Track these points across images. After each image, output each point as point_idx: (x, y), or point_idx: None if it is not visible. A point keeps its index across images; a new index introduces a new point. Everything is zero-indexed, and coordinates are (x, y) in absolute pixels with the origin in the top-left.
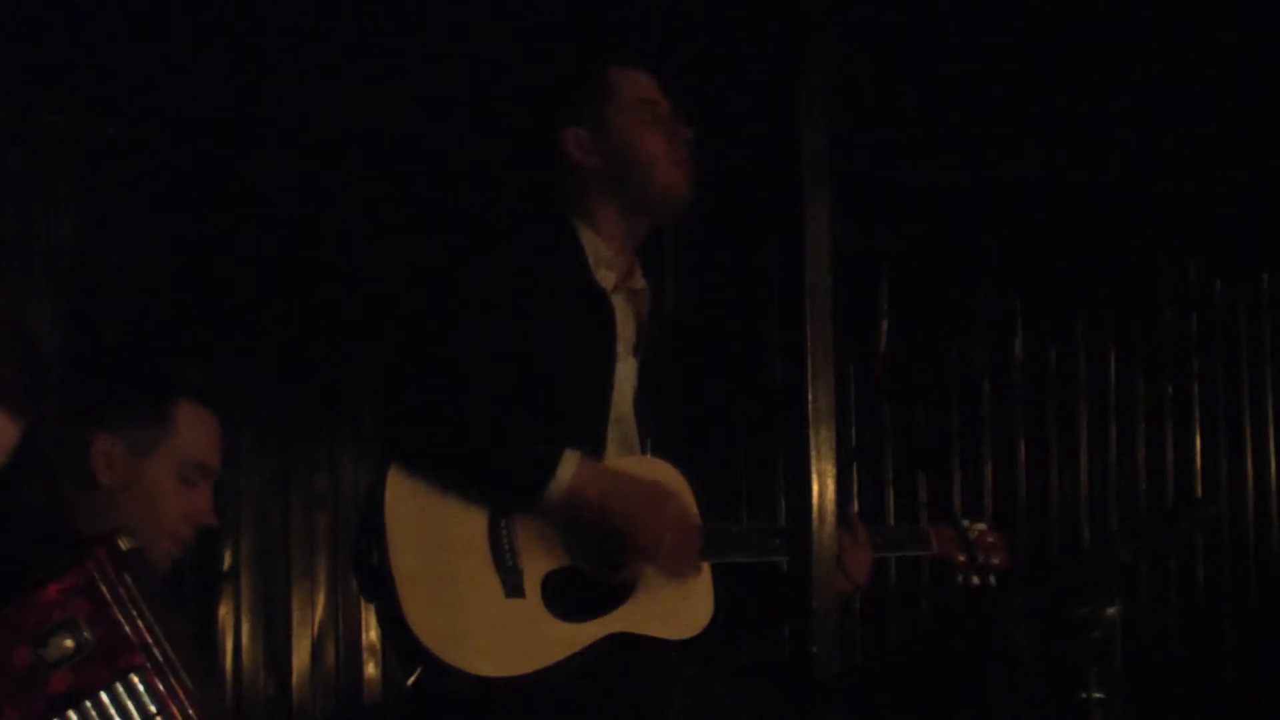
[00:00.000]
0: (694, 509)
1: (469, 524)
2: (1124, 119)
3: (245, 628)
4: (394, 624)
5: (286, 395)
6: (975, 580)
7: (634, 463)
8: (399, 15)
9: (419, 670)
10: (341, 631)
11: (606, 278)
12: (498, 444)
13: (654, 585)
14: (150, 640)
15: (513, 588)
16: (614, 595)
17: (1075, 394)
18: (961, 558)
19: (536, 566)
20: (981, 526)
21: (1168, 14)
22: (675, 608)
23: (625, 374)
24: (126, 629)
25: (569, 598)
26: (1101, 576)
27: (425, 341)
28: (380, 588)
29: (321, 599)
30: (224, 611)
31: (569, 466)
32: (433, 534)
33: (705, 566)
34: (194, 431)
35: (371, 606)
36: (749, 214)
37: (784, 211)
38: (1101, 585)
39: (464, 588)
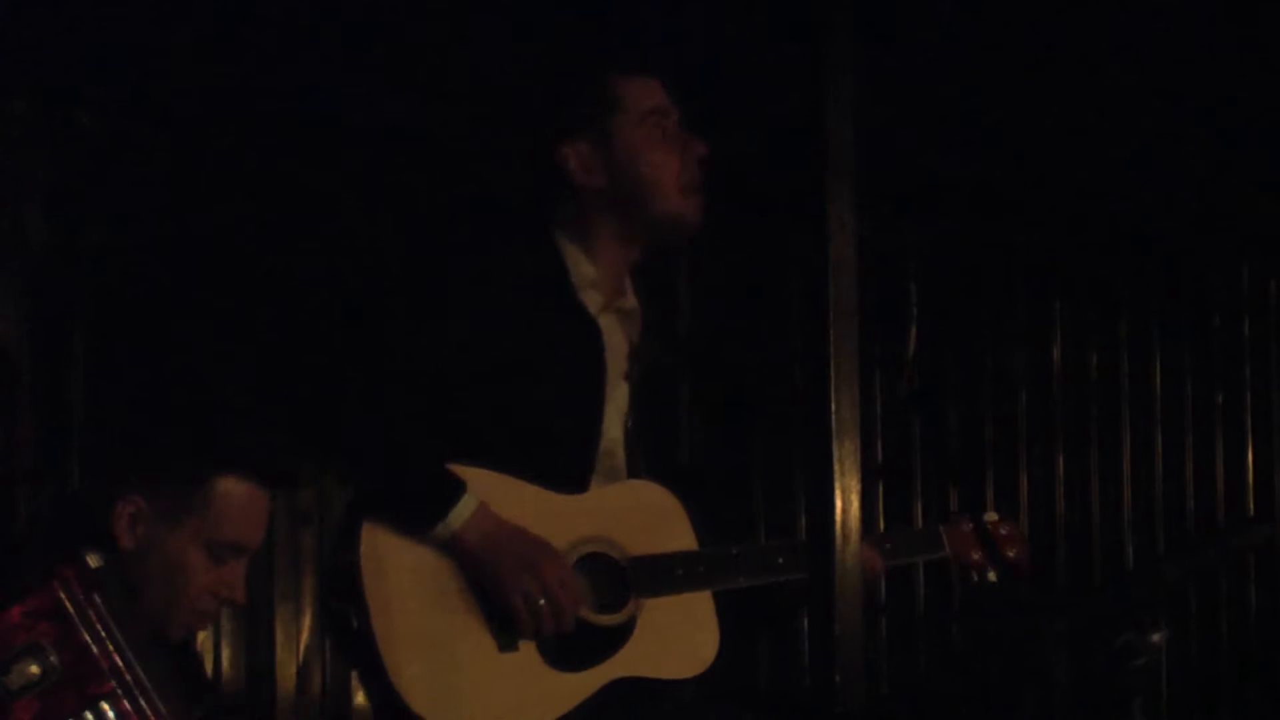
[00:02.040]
0: (688, 534)
1: (443, 577)
2: (1175, 115)
3: (226, 652)
4: (382, 693)
5: (268, 406)
6: (992, 577)
7: (620, 488)
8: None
9: None
10: (329, 655)
11: (592, 299)
12: (402, 466)
13: (653, 623)
14: (121, 664)
15: (505, 642)
16: (613, 638)
17: (1118, 403)
18: (976, 555)
19: None
20: (993, 517)
21: (1218, 12)
22: (678, 645)
23: (615, 400)
24: (96, 653)
25: (565, 646)
26: (1146, 599)
27: (354, 350)
28: (362, 653)
29: (307, 622)
30: (203, 635)
31: (464, 510)
32: (408, 590)
33: (707, 596)
34: (231, 509)
35: None
36: (769, 211)
37: (806, 208)
38: (1146, 609)
39: (455, 646)
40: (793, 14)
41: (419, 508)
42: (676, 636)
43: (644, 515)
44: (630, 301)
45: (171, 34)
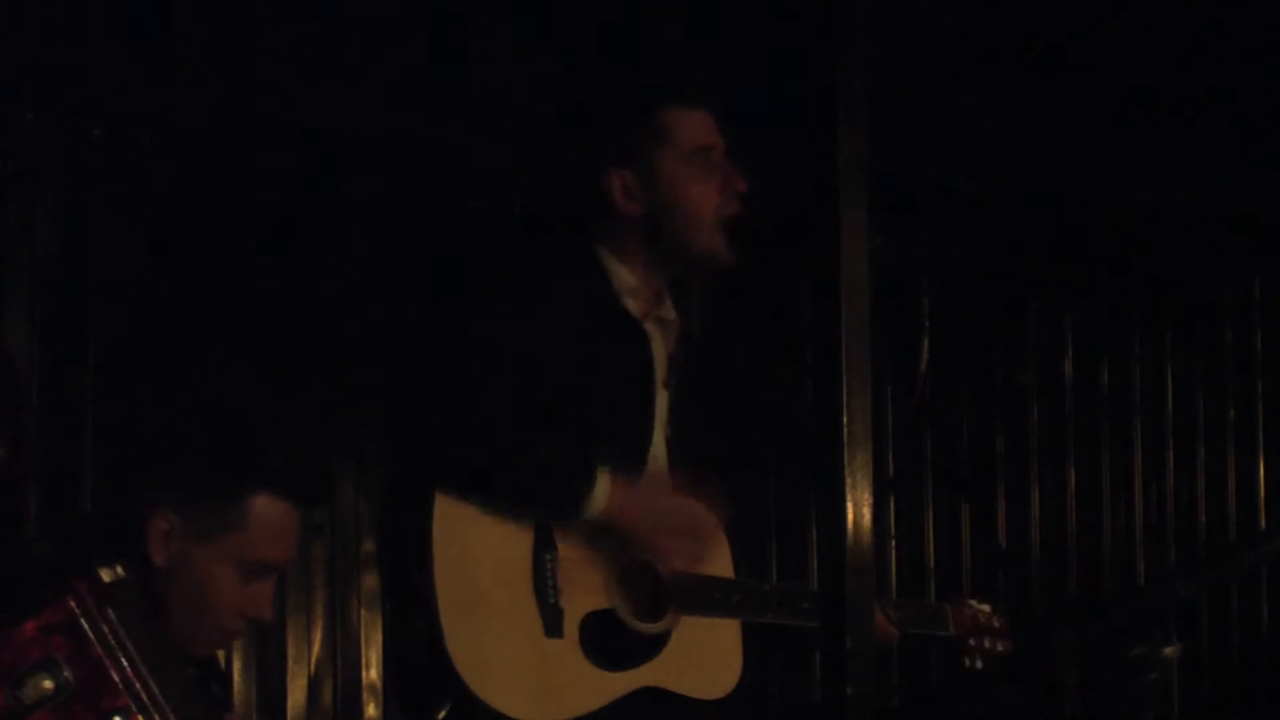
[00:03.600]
0: (726, 557)
1: (514, 553)
2: (1187, 129)
3: (236, 665)
4: (428, 649)
5: (281, 416)
6: (978, 665)
7: None
8: (400, 11)
9: (447, 707)
10: (340, 669)
11: (635, 307)
12: (534, 462)
13: (686, 639)
14: (135, 679)
15: (552, 627)
16: (647, 646)
17: (1130, 417)
18: (971, 641)
19: (577, 606)
20: (987, 609)
21: (1226, 21)
22: (704, 666)
23: (658, 408)
24: (109, 667)
25: (605, 643)
26: (1158, 614)
27: (455, 369)
28: (418, 607)
29: (319, 635)
30: None
31: (603, 486)
32: (477, 558)
33: (735, 625)
34: (267, 527)
35: (372, 641)
36: (781, 224)
37: (819, 222)
38: (1158, 624)
39: (504, 621)
40: (805, 26)
41: (558, 498)
42: (704, 658)
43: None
44: (670, 311)
45: (182, 46)
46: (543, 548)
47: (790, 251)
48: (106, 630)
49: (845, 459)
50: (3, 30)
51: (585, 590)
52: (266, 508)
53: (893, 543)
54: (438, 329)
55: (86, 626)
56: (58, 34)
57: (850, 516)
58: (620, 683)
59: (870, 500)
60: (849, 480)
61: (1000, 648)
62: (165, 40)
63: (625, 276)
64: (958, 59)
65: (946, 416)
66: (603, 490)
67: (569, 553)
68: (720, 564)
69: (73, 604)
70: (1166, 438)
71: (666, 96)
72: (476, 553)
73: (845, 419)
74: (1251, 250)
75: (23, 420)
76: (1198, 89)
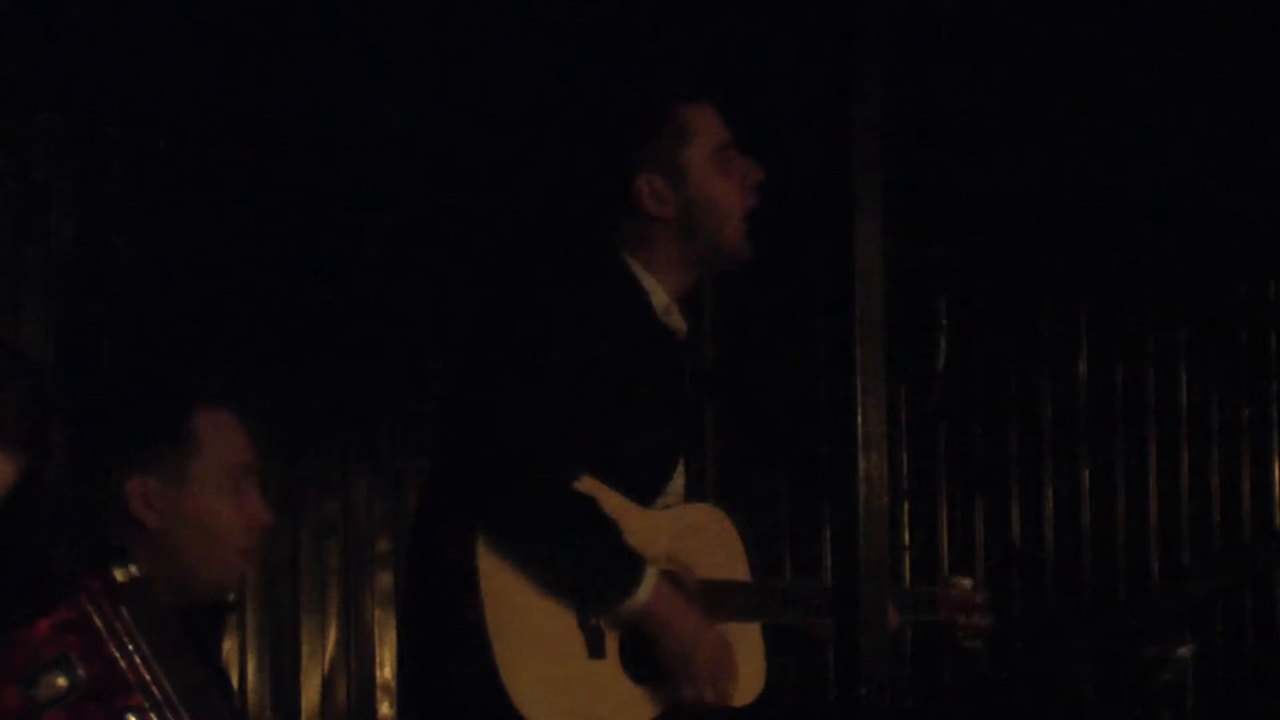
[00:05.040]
0: (743, 562)
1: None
2: (1201, 130)
3: (251, 663)
4: (481, 679)
5: (295, 413)
6: (969, 645)
7: (688, 510)
8: (411, 10)
9: None
10: (354, 667)
11: (666, 321)
12: (589, 546)
13: None
14: (149, 678)
15: (595, 648)
16: None
17: (1144, 417)
18: (961, 619)
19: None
20: (967, 584)
21: (1244, 22)
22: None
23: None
24: (123, 666)
25: (641, 659)
26: (1172, 614)
27: (515, 406)
28: (467, 642)
29: (332, 633)
30: (228, 646)
31: (648, 585)
32: (522, 587)
33: (757, 629)
34: (219, 437)
35: (385, 640)
36: (796, 225)
37: (833, 223)
38: (1172, 624)
39: (550, 645)
40: (820, 29)
41: (604, 584)
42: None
43: (708, 539)
44: (679, 321)
45: (199, 48)
46: None
47: (804, 251)
48: (120, 628)
49: (859, 459)
50: (20, 31)
51: None
52: (208, 420)
53: (906, 542)
54: (471, 354)
55: (100, 625)
56: (75, 36)
57: (864, 517)
58: (660, 697)
59: (884, 500)
60: (863, 480)
61: (985, 623)
62: (182, 42)
63: (656, 289)
64: (974, 58)
65: (961, 416)
66: (645, 592)
67: None
68: (737, 565)
69: (86, 602)
70: (1181, 437)
71: (678, 95)
72: (520, 582)
73: (859, 418)
74: (1267, 250)
75: (50, 428)
76: (1215, 87)
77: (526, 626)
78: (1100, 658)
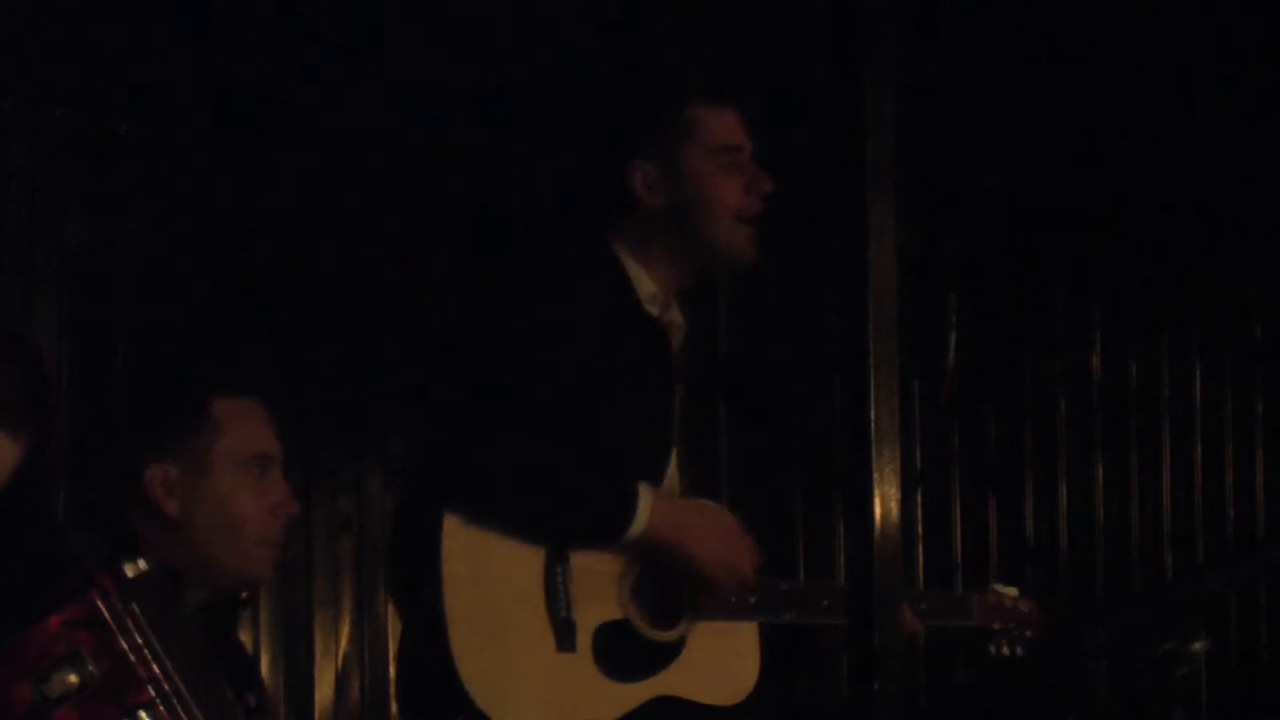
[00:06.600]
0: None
1: (525, 567)
2: (1216, 122)
3: (264, 660)
4: (437, 666)
5: (308, 410)
6: (1005, 651)
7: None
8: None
9: None
10: (368, 664)
11: (653, 309)
12: (573, 487)
13: (701, 646)
14: (160, 673)
15: (565, 641)
16: (662, 654)
17: (1158, 412)
18: (997, 625)
19: (589, 618)
20: (1014, 593)
21: (1256, 18)
22: (721, 671)
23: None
24: (134, 661)
25: (618, 654)
26: (1186, 609)
27: (489, 384)
28: (427, 626)
29: (346, 629)
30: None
31: (645, 503)
32: (488, 574)
33: (753, 628)
34: (240, 424)
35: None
36: (808, 219)
37: (846, 216)
38: (1186, 619)
39: (515, 637)
40: (833, 23)
41: (602, 519)
42: (721, 663)
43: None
44: (677, 316)
45: (210, 42)
46: (555, 560)
47: (816, 248)
48: (131, 624)
49: (873, 454)
50: (31, 25)
51: (598, 601)
52: (229, 406)
53: (920, 538)
54: (457, 336)
55: (111, 621)
56: (85, 29)
57: (878, 512)
58: (635, 693)
59: (898, 496)
60: (876, 476)
61: (1029, 634)
62: (193, 36)
63: (643, 278)
64: (987, 52)
65: (974, 412)
66: (645, 510)
67: (582, 564)
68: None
69: (97, 598)
70: (1195, 432)
71: (696, 93)
72: (487, 569)
73: (872, 414)
74: None
75: (52, 412)
76: (1230, 84)
77: (489, 615)
78: (1115, 652)
